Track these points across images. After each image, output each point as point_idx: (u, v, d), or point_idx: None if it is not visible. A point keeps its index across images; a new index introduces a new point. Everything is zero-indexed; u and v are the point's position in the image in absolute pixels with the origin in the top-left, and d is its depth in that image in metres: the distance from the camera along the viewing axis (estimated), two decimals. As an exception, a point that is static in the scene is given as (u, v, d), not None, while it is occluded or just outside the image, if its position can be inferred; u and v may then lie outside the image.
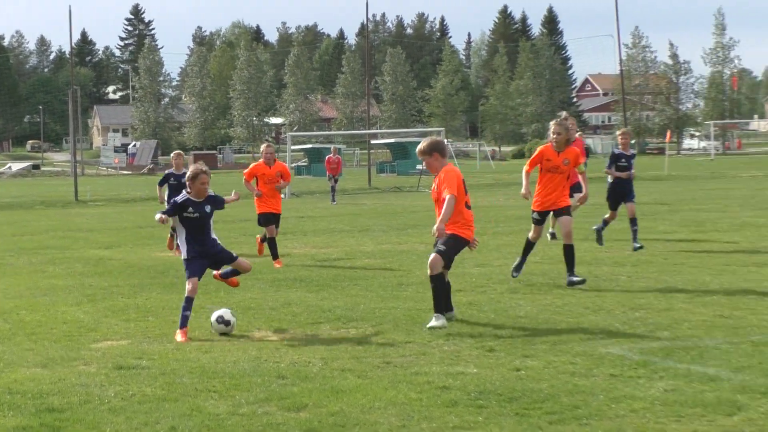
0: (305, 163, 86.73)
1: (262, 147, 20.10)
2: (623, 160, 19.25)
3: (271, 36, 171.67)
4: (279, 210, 19.48)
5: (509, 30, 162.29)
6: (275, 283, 16.47)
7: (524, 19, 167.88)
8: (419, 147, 12.79)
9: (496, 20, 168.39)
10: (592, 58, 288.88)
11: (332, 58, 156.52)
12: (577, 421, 7.79)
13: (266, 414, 8.32)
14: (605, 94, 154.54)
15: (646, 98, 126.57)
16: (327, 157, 47.97)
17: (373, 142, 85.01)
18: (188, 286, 12.09)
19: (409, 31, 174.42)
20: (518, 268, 15.33)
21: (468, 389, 8.86)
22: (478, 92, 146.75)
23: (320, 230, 27.73)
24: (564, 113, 16.51)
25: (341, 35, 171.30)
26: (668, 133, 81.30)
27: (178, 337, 11.66)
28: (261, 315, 13.47)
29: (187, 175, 12.65)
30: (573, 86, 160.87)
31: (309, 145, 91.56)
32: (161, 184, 21.80)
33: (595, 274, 16.59)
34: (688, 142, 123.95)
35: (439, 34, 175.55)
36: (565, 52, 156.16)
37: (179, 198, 12.63)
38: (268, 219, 18.98)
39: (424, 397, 8.67)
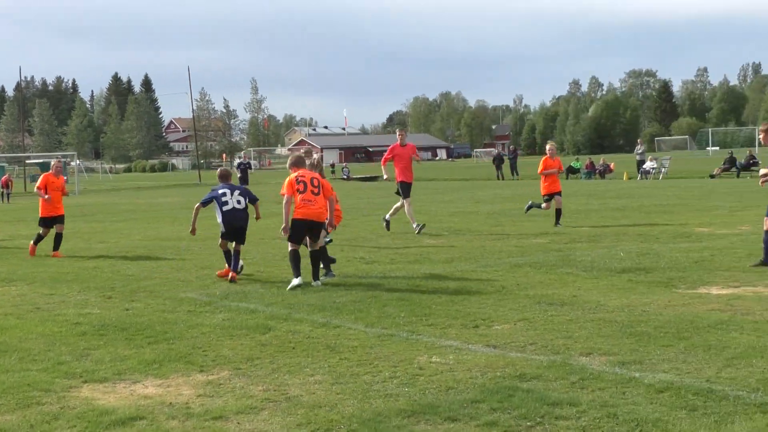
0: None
1: (53, 162, 21.00)
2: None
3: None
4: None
5: (120, 88, 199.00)
6: None
7: (129, 81, 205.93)
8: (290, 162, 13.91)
9: (111, 82, 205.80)
10: (175, 107, 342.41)
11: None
12: (166, 342, 9.54)
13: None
14: (184, 131, 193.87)
15: (210, 133, 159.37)
16: (2, 178, 53.64)
17: (28, 162, 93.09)
18: None
19: (50, 87, 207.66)
20: None
21: (93, 323, 10.67)
22: (100, 129, 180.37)
23: None
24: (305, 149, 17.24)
25: (2, 89, 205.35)
26: (224, 156, 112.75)
27: None
28: None
29: None
30: (162, 125, 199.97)
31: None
32: None
33: (177, 246, 19.78)
34: (237, 162, 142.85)
35: (72, 90, 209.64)
36: (157, 102, 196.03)
37: None
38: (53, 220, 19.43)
39: (63, 330, 10.38)
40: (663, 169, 51.90)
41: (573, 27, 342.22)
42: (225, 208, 14.40)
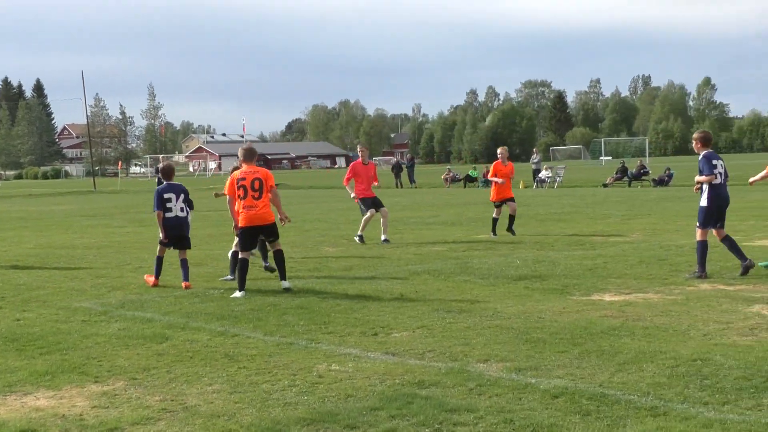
0: None
1: None
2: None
3: None
4: None
5: (10, 92, 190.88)
6: None
7: (20, 85, 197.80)
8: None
9: (0, 86, 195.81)
10: (68, 113, 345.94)
11: None
12: (60, 352, 9.32)
13: None
14: (78, 137, 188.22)
15: (105, 140, 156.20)
16: None
17: None
18: None
19: None
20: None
21: None
22: None
23: None
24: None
25: None
26: (120, 163, 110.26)
27: None
28: None
29: None
30: (55, 131, 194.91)
31: None
32: None
33: (71, 255, 19.33)
34: (134, 169, 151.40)
35: None
36: (49, 108, 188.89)
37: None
38: None
39: None
40: (558, 178, 52.94)
41: (470, 37, 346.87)
42: (168, 215, 13.99)
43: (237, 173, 13.48)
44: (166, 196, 14.03)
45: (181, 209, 14.08)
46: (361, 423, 6.68)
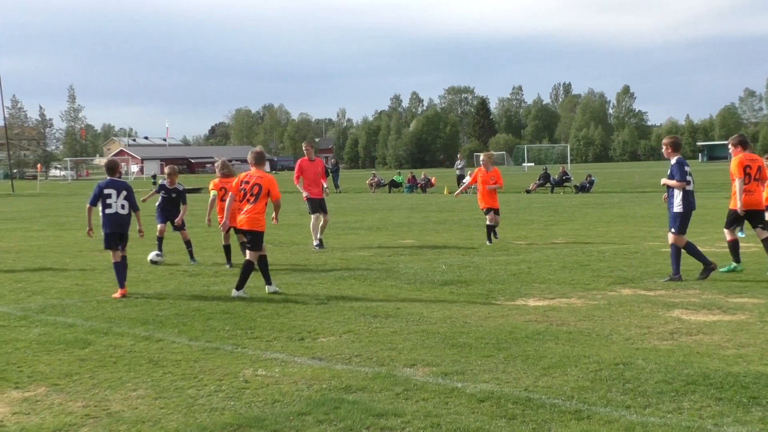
0: None
1: None
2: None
3: None
4: None
5: None
6: None
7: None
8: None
9: None
10: None
11: None
12: (-22, 358, 9.10)
13: None
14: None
15: (23, 142, 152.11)
16: None
17: None
18: None
19: None
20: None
21: None
22: None
23: None
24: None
25: None
26: (39, 166, 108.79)
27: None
28: None
29: None
30: None
31: None
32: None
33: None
34: (53, 172, 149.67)
35: None
36: None
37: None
38: None
39: None
40: (481, 184, 53.28)
41: (394, 42, 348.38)
42: (108, 211, 13.37)
43: (243, 174, 13.67)
44: (106, 191, 13.44)
45: (122, 206, 13.45)
46: (288, 428, 6.65)
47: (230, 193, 13.78)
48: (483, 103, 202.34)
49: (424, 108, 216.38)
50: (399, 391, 7.56)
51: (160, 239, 17.86)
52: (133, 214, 13.72)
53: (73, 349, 9.64)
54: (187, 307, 12.16)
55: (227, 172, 17.15)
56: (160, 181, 18.31)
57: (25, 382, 8.22)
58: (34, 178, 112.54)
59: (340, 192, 57.78)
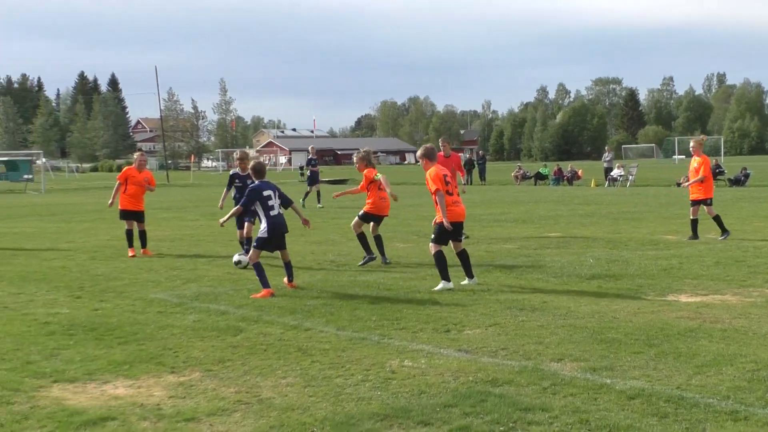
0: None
1: (136, 154, 19.23)
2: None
3: None
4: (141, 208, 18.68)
5: (86, 87, 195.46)
6: None
7: (96, 80, 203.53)
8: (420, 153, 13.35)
9: (77, 80, 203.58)
10: (142, 107, 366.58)
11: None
12: (136, 342, 9.49)
13: None
14: (151, 131, 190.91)
15: (177, 134, 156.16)
16: None
17: None
18: None
19: (15, 84, 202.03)
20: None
21: (62, 323, 10.59)
22: (66, 128, 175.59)
23: None
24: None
25: None
26: (192, 157, 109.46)
27: None
28: None
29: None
30: (129, 125, 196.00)
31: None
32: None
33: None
34: (205, 163, 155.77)
35: (37, 88, 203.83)
36: (124, 102, 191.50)
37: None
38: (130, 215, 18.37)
39: (32, 329, 10.31)
40: (630, 177, 52.28)
41: (541, 34, 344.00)
42: (272, 213, 12.81)
43: (434, 170, 13.17)
44: (264, 192, 12.95)
45: (279, 205, 13.12)
46: (434, 419, 6.66)
47: (438, 190, 12.99)
48: (632, 95, 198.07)
49: (571, 99, 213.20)
50: (546, 386, 7.47)
51: (243, 241, 16.49)
52: (289, 208, 13.43)
53: (225, 336, 9.89)
54: (334, 297, 12.32)
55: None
56: (231, 171, 17.50)
57: (180, 367, 8.48)
58: (188, 168, 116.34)
59: (485, 184, 57.53)
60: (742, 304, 11.22)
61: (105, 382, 7.99)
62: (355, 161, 16.67)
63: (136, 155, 19.44)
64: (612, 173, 53.22)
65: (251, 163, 13.70)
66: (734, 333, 9.49)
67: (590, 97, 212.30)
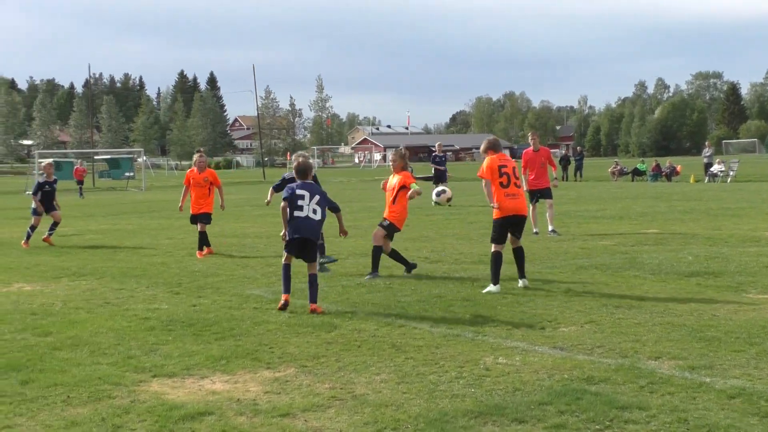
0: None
1: (195, 156, 18.85)
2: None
3: (23, 85, 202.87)
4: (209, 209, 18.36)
5: (185, 85, 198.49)
6: (29, 251, 19.12)
7: (195, 78, 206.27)
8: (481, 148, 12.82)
9: (177, 79, 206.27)
10: (240, 104, 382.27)
11: (66, 102, 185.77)
12: (233, 338, 9.61)
13: (23, 339, 9.85)
14: (249, 128, 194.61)
15: (274, 131, 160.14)
16: (75, 168, 60.35)
17: (96, 158, 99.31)
18: None
19: (118, 84, 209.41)
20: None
21: (161, 319, 10.79)
22: (166, 126, 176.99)
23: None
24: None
25: (72, 86, 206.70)
26: (288, 154, 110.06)
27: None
28: (18, 273, 15.53)
29: None
30: (227, 123, 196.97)
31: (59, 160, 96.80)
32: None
33: (242, 243, 19.97)
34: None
35: (139, 87, 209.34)
36: (222, 100, 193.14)
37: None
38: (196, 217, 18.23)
39: (132, 324, 10.52)
40: (731, 173, 51.08)
41: (638, 28, 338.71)
42: (297, 213, 11.68)
43: (494, 158, 12.85)
44: (298, 191, 11.80)
45: (314, 211, 11.74)
46: (529, 417, 6.61)
47: (487, 181, 12.75)
48: (733, 89, 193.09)
49: (670, 94, 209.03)
50: (643, 384, 7.36)
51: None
52: (334, 215, 12.60)
53: (319, 332, 9.95)
54: (429, 293, 12.32)
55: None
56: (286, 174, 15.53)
57: (276, 363, 8.58)
58: (284, 166, 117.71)
59: (581, 180, 56.86)
60: None
61: (203, 377, 8.12)
62: (392, 159, 14.84)
63: (195, 157, 18.95)
64: (712, 169, 52.07)
65: (294, 163, 12.66)
66: (840, 332, 9.20)
67: (690, 91, 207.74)
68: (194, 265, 16.26)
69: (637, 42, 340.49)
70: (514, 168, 12.96)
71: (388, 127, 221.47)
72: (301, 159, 12.53)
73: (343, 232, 12.81)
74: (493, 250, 12.75)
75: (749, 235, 18.87)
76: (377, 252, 14.31)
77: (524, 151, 20.50)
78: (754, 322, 9.74)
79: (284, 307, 11.38)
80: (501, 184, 12.73)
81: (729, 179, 49.96)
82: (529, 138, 20.78)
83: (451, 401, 7.09)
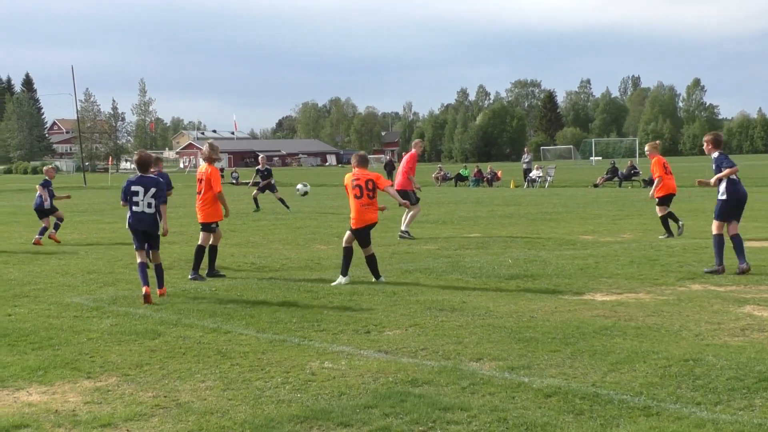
0: None
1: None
2: None
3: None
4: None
5: None
6: None
7: (9, 79, 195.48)
8: None
9: None
10: (58, 107, 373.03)
11: None
12: (51, 348, 9.30)
13: None
14: (68, 132, 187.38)
15: (95, 135, 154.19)
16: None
17: None
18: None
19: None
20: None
21: None
22: None
23: None
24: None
25: None
26: (110, 159, 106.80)
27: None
28: None
29: None
30: (45, 126, 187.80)
31: None
32: None
33: (62, 251, 19.29)
34: (124, 165, 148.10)
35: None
36: (39, 102, 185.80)
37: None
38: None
39: None
40: (548, 178, 53.01)
41: (461, 36, 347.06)
42: (134, 209, 12.55)
43: (349, 175, 13.97)
44: (133, 187, 12.62)
45: (148, 204, 12.53)
46: (354, 421, 6.67)
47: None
48: (550, 97, 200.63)
49: (491, 101, 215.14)
50: (465, 385, 7.54)
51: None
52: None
53: (143, 339, 9.77)
54: (254, 299, 12.26)
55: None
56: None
57: (96, 372, 8.36)
58: (106, 171, 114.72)
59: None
60: (655, 302, 11.47)
61: (18, 389, 7.83)
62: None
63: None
64: (531, 174, 53.90)
65: (135, 156, 13.43)
66: (647, 330, 9.70)
67: (510, 99, 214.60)
68: (9, 273, 15.64)
69: (460, 49, 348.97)
70: (366, 181, 13.79)
71: (214, 131, 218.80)
72: (141, 153, 13.32)
73: (164, 231, 12.91)
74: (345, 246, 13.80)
75: (566, 239, 19.63)
76: (204, 251, 14.68)
77: (411, 155, 21.22)
78: (570, 323, 10.14)
79: (147, 299, 12.02)
80: (355, 196, 13.69)
81: (547, 184, 51.82)
82: (417, 145, 21.95)
83: (277, 407, 7.08)
